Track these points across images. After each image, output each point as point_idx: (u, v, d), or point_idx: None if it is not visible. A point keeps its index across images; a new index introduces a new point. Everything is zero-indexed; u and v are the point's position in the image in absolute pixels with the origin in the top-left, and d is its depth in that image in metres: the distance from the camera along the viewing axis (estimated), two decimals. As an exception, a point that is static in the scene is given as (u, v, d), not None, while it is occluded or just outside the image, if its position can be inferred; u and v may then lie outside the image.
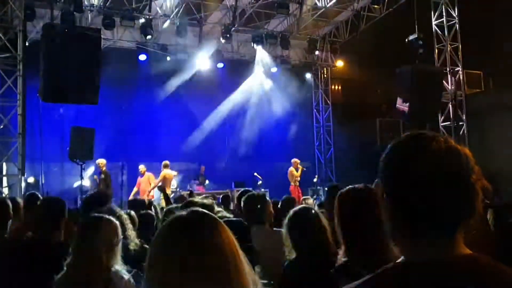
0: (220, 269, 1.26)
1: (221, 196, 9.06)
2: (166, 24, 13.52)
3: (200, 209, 1.43)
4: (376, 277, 1.05)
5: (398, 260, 1.08)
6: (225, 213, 4.01)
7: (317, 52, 16.15)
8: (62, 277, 2.35)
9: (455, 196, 1.01)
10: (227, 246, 1.30)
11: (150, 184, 12.13)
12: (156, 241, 1.34)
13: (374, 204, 2.04)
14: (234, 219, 2.45)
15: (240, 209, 4.78)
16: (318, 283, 2.49)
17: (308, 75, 17.17)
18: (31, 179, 12.23)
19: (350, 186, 2.33)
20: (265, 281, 2.19)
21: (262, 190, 12.56)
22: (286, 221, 2.88)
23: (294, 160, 13.63)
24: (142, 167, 12.59)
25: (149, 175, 12.44)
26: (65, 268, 2.35)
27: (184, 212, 1.40)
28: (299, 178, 13.35)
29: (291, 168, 13.35)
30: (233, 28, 13.96)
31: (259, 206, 3.74)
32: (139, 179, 12.49)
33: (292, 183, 13.21)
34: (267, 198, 4.00)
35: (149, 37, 13.20)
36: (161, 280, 1.26)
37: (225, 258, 1.28)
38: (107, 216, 2.52)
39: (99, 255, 2.31)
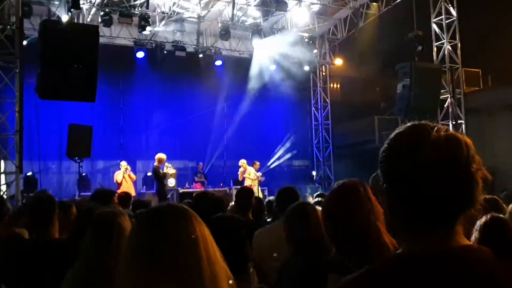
0: (192, 262, 1.25)
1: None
2: (164, 21, 13.49)
3: (174, 203, 1.43)
4: (375, 268, 1.04)
5: (398, 251, 1.07)
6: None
7: (315, 50, 16.14)
8: (76, 269, 2.34)
9: (455, 186, 1.00)
10: (199, 239, 1.29)
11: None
12: (130, 234, 1.35)
13: (362, 198, 2.04)
14: (229, 215, 2.44)
15: (238, 206, 4.76)
16: (314, 280, 2.48)
17: (307, 73, 17.15)
18: (28, 176, 12.21)
19: (339, 182, 2.30)
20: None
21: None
22: (283, 216, 2.87)
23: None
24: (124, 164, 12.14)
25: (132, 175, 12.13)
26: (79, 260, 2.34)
27: (157, 206, 1.41)
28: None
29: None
30: (231, 25, 13.94)
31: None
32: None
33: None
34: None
35: (147, 32, 13.16)
36: (130, 271, 1.26)
37: (198, 250, 1.27)
38: (120, 211, 2.51)
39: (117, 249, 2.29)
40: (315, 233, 2.69)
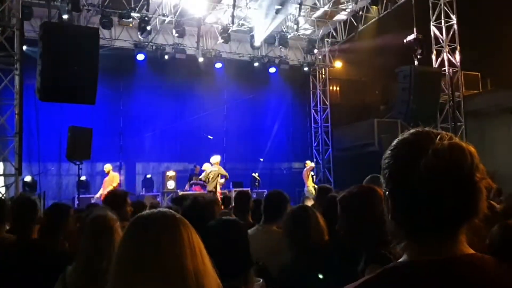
0: (176, 269, 1.24)
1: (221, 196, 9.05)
2: (164, 24, 13.49)
3: (164, 209, 1.43)
4: (378, 276, 1.03)
5: (400, 259, 1.06)
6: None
7: (315, 51, 16.17)
8: (73, 269, 2.38)
9: (458, 195, 0.99)
10: (186, 246, 1.28)
11: (112, 184, 11.35)
12: (120, 240, 1.35)
13: (378, 201, 2.05)
14: (231, 218, 2.44)
15: (237, 209, 4.76)
16: (313, 283, 2.47)
17: (307, 75, 17.17)
18: (28, 178, 12.17)
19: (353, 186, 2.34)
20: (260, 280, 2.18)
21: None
22: (284, 220, 2.86)
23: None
24: (107, 166, 11.89)
25: (114, 175, 11.78)
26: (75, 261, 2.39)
27: (146, 212, 1.40)
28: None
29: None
30: (232, 28, 13.95)
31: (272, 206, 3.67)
32: (104, 180, 11.83)
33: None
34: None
35: (146, 34, 13.14)
36: (115, 276, 1.27)
37: (183, 258, 1.26)
38: (111, 214, 2.55)
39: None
40: (316, 236, 2.69)
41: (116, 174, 11.96)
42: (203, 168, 12.37)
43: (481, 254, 1.04)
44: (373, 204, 2.08)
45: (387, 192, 1.08)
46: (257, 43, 14.40)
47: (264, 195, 3.98)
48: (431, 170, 0.98)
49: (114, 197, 3.89)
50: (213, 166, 11.51)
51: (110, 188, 10.88)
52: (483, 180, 1.01)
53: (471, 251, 1.04)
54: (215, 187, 11.46)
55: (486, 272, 0.99)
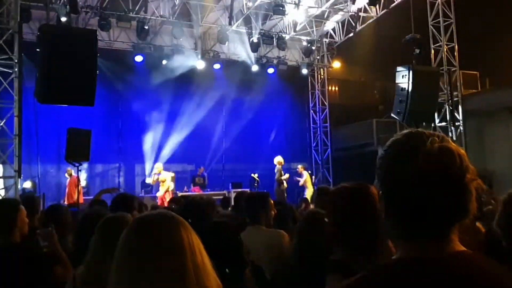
0: (176, 270, 1.26)
1: (221, 197, 9.06)
2: (162, 25, 13.51)
3: (163, 210, 1.44)
4: (371, 273, 1.05)
5: (393, 257, 1.08)
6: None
7: (314, 50, 16.18)
8: (85, 272, 2.38)
9: (446, 197, 1.01)
10: (186, 247, 1.29)
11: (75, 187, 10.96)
12: (119, 241, 1.36)
13: (369, 200, 2.03)
14: (224, 220, 2.44)
15: (236, 210, 4.79)
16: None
17: (305, 76, 17.19)
18: (28, 184, 12.14)
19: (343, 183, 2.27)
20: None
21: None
22: (300, 222, 2.84)
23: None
24: (70, 170, 11.61)
25: (75, 177, 11.33)
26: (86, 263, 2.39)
27: (145, 213, 1.42)
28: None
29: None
30: (230, 29, 13.96)
31: (257, 206, 3.71)
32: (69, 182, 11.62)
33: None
34: (269, 199, 3.89)
35: (144, 36, 13.15)
36: (117, 277, 1.28)
37: (183, 258, 1.27)
38: (124, 215, 2.55)
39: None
40: (321, 244, 2.64)
41: (74, 177, 11.51)
42: (156, 166, 12.35)
43: (472, 252, 1.05)
44: (362, 204, 2.01)
45: (380, 192, 1.10)
46: (254, 40, 14.43)
47: (245, 198, 4.02)
48: (422, 174, 1.01)
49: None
50: (277, 166, 12.43)
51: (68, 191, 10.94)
52: (473, 181, 1.03)
53: (462, 249, 1.06)
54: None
55: (477, 268, 1.01)
